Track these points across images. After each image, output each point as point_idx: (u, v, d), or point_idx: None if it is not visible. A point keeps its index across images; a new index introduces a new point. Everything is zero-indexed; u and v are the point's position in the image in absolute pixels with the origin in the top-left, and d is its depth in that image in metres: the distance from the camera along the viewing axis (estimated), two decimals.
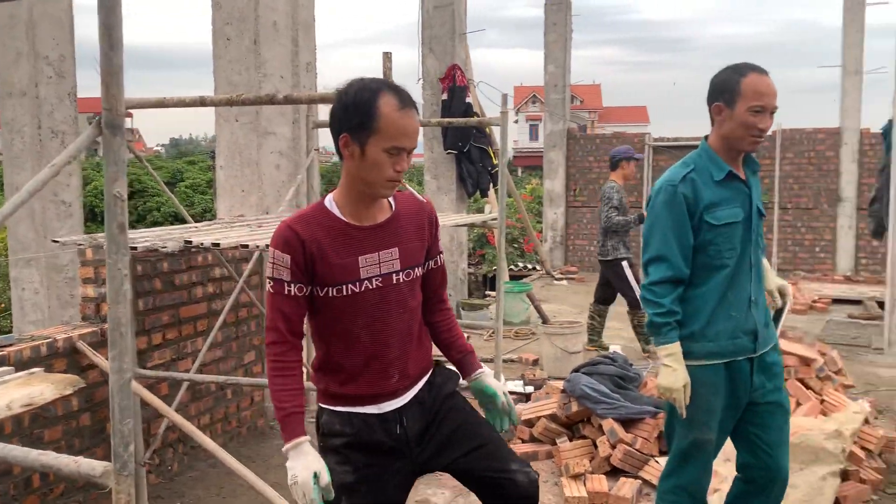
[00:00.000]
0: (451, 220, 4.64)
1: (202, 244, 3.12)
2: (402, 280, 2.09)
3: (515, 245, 13.91)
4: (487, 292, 10.34)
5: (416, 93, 8.30)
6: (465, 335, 7.06)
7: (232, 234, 3.54)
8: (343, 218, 2.04)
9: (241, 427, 4.83)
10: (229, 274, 4.52)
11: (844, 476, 3.85)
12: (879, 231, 7.66)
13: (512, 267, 13.20)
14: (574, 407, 4.42)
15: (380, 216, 2.07)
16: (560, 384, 4.78)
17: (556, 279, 11.84)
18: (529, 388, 5.56)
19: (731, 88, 2.56)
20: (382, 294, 2.06)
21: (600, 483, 3.90)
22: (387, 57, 3.20)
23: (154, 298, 4.04)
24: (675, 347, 2.58)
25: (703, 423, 2.66)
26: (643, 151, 12.59)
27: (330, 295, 2.04)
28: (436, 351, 2.33)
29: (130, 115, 53.98)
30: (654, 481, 3.90)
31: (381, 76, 3.24)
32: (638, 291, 6.53)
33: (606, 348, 6.82)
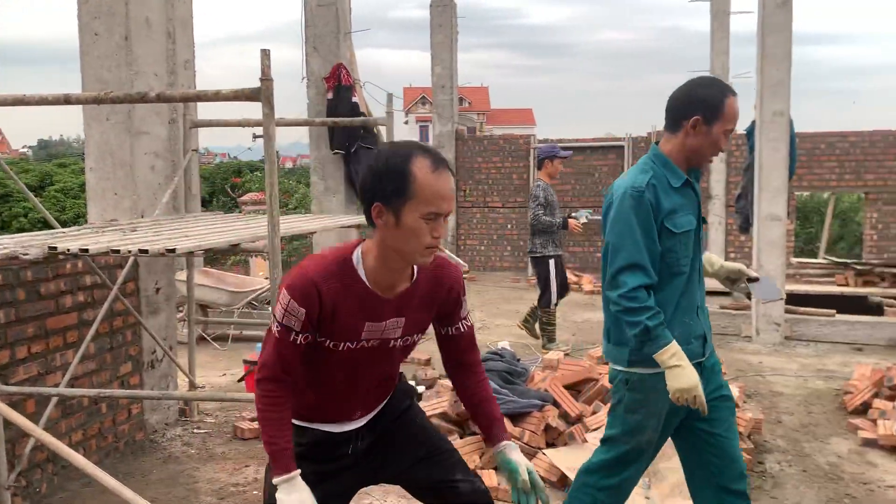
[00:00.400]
0: (338, 221, 4.57)
1: (68, 250, 2.94)
2: (397, 345, 2.10)
3: None
4: None
5: (301, 92, 8.17)
6: None
7: (103, 240, 3.35)
8: (367, 284, 1.98)
9: (119, 442, 4.58)
10: (102, 281, 4.28)
11: None
12: (745, 226, 8.18)
13: None
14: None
15: (400, 285, 2.03)
16: (450, 382, 4.81)
17: None
18: (421, 388, 5.57)
19: (714, 106, 2.52)
20: (373, 352, 2.08)
21: (489, 478, 3.94)
22: (265, 54, 3.11)
23: (17, 309, 3.77)
24: (675, 345, 2.49)
25: (650, 428, 2.65)
26: (528, 154, 12.91)
27: (325, 345, 2.02)
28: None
29: None
30: (543, 473, 4.00)
31: (263, 77, 3.16)
32: (555, 291, 6.81)
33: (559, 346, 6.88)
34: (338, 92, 7.90)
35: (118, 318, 4.53)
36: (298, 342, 1.98)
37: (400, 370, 2.30)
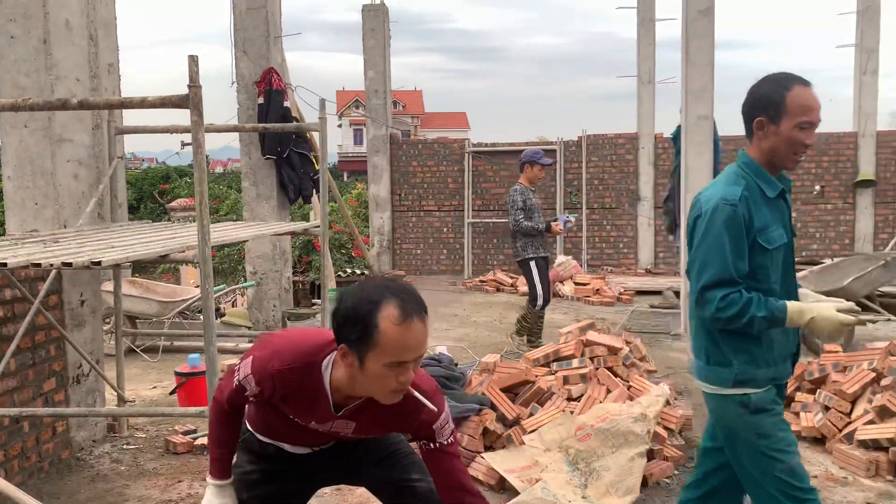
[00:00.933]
0: (271, 228, 4.50)
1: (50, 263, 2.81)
2: (349, 436, 2.16)
3: (343, 251, 13.84)
4: (314, 300, 10.17)
5: (231, 97, 8.01)
6: None
7: (21, 252, 3.22)
8: (329, 397, 2.00)
9: (43, 462, 4.40)
10: (22, 295, 4.10)
11: (650, 455, 4.18)
12: (672, 227, 8.42)
13: (340, 273, 13.10)
14: None
15: (361, 399, 2.04)
16: None
17: None
18: None
19: (775, 103, 2.39)
20: (324, 434, 2.15)
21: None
22: (192, 60, 3.04)
23: None
24: (792, 304, 2.36)
25: (791, 442, 2.48)
26: (462, 158, 12.99)
27: (278, 408, 2.10)
28: None
29: None
30: (481, 477, 4.04)
31: (190, 84, 3.09)
32: (541, 292, 6.81)
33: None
34: (269, 96, 7.78)
35: (40, 333, 4.35)
36: (249, 399, 2.08)
37: None
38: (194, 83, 3.08)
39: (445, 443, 2.10)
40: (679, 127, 7.80)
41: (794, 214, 11.86)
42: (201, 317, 8.42)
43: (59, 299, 4.50)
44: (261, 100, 7.87)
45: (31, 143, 4.46)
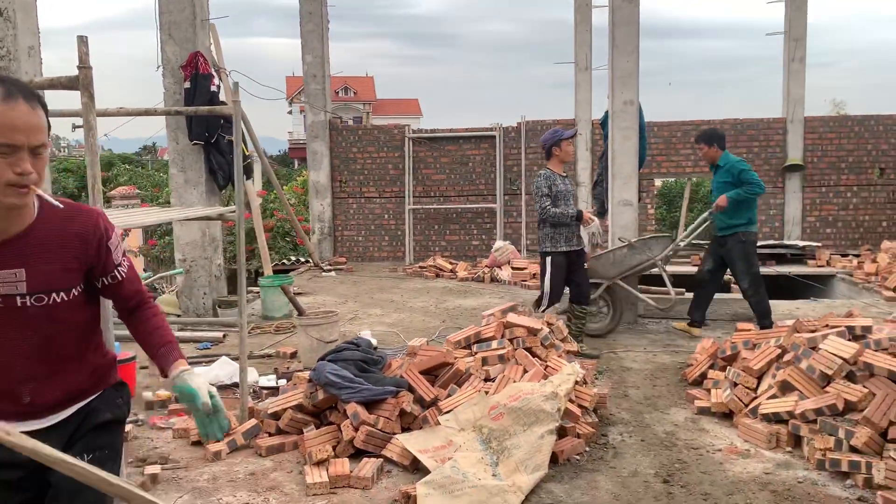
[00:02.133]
0: (183, 213, 4.44)
1: None
2: (29, 304, 1.87)
3: (287, 238, 13.70)
4: (250, 288, 10.05)
5: (157, 80, 7.85)
6: (222, 333, 6.74)
7: None
8: None
9: None
10: None
11: (563, 432, 4.27)
12: (602, 212, 8.57)
13: (284, 261, 12.99)
14: (321, 395, 4.46)
15: (11, 230, 1.83)
16: (307, 374, 4.80)
17: (325, 271, 11.85)
18: (282, 381, 5.52)
19: None
20: (3, 312, 1.85)
21: (342, 466, 3.98)
22: (82, 41, 2.97)
23: None
24: None
25: None
26: (402, 144, 12.96)
27: None
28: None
29: None
30: (396, 458, 4.07)
31: (80, 66, 3.02)
32: (547, 292, 6.16)
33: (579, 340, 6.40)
34: (195, 81, 7.65)
35: None
36: None
37: (97, 363, 2.08)
38: (84, 64, 3.00)
39: (126, 267, 2.07)
40: (607, 113, 7.91)
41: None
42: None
43: None
44: (187, 84, 7.73)
45: None
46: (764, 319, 6.71)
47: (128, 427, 4.47)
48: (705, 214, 7.05)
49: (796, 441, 4.22)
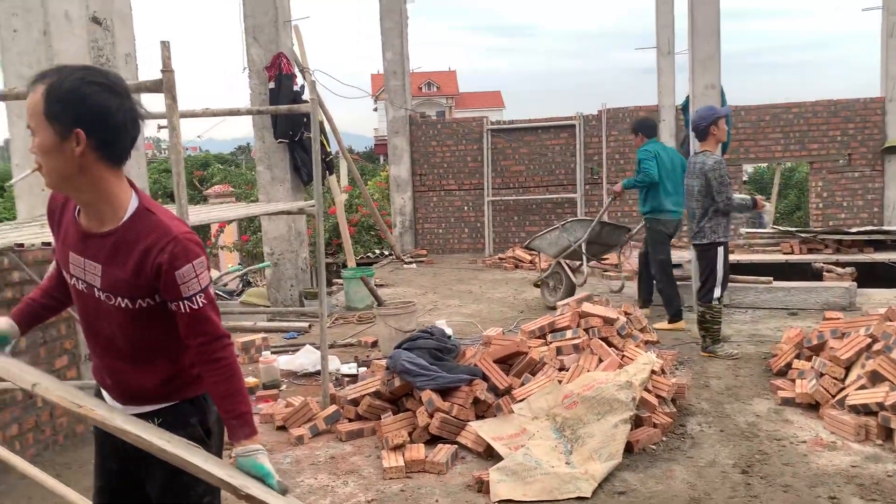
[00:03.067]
0: (263, 208, 4.63)
1: None
2: (102, 298, 1.96)
3: (372, 232, 14.00)
4: (334, 280, 10.36)
5: (242, 82, 8.17)
6: (307, 324, 6.92)
7: (12, 235, 3.40)
8: (75, 209, 1.99)
9: (58, 434, 4.64)
10: (30, 278, 4.32)
11: (638, 422, 4.23)
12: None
13: (369, 254, 13.29)
14: (397, 382, 4.58)
15: (105, 224, 1.93)
16: (384, 362, 4.93)
17: (406, 263, 12.05)
18: (362, 369, 5.68)
19: None
20: (86, 299, 2.00)
21: (418, 451, 4.08)
22: (164, 46, 3.16)
23: None
24: None
25: None
26: (481, 136, 13.00)
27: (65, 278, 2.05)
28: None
29: None
30: (470, 445, 4.15)
31: (164, 69, 3.21)
32: (720, 280, 5.86)
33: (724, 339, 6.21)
34: (279, 81, 7.92)
35: None
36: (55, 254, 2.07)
37: (159, 374, 2.03)
38: (167, 68, 3.19)
39: (190, 308, 1.92)
40: (688, 97, 7.72)
41: (820, 185, 11.70)
42: (238, 299, 8.66)
43: None
44: (272, 84, 8.01)
45: None
46: (668, 307, 6.98)
47: None
48: (608, 199, 7.84)
49: (887, 433, 4.04)
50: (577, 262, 8.06)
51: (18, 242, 3.03)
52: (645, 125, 7.48)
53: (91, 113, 1.81)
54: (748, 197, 6.09)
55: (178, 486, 2.02)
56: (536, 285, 8.44)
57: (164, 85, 3.21)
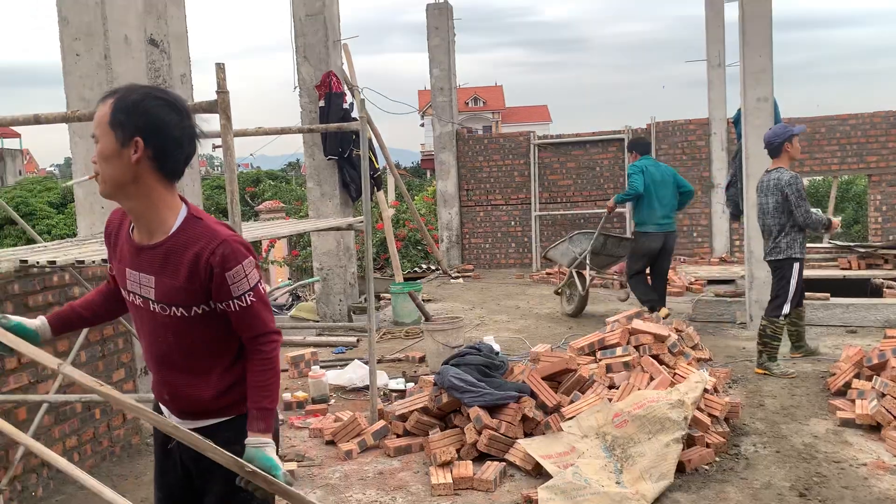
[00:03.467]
0: (313, 224, 4.70)
1: (38, 263, 3.10)
2: (157, 310, 2.02)
3: (419, 247, 14.08)
4: (382, 294, 10.43)
5: (293, 100, 8.33)
6: (356, 338, 7.04)
7: (73, 252, 3.51)
8: (130, 224, 2.07)
9: (115, 446, 4.76)
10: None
11: (690, 441, 4.15)
12: (736, 214, 8.20)
13: (416, 269, 13.36)
14: (444, 398, 4.58)
15: (154, 236, 2.00)
16: (432, 378, 4.93)
17: (453, 278, 12.06)
18: (410, 385, 5.70)
19: None
20: (142, 313, 2.07)
21: (466, 468, 4.07)
22: (219, 68, 3.25)
23: None
24: None
25: None
26: (528, 151, 12.98)
27: (122, 294, 2.13)
28: None
29: (18, 136, 51.00)
30: (519, 463, 4.12)
31: (219, 90, 3.30)
32: (791, 297, 5.78)
33: (815, 352, 6.27)
34: (329, 99, 8.05)
35: (108, 327, 4.71)
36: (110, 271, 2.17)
37: (222, 388, 2.08)
38: (222, 89, 3.28)
39: (241, 305, 2.00)
40: (740, 110, 7.60)
41: (879, 198, 11.35)
42: (288, 313, 8.79)
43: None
44: (322, 103, 8.15)
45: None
46: (647, 304, 7.43)
47: None
48: (605, 213, 8.25)
49: None
50: (592, 273, 8.42)
51: (79, 259, 3.13)
52: (639, 144, 8.08)
53: (151, 124, 1.91)
54: (824, 216, 5.93)
55: (236, 501, 2.07)
56: (557, 293, 8.85)
57: (219, 105, 3.29)
